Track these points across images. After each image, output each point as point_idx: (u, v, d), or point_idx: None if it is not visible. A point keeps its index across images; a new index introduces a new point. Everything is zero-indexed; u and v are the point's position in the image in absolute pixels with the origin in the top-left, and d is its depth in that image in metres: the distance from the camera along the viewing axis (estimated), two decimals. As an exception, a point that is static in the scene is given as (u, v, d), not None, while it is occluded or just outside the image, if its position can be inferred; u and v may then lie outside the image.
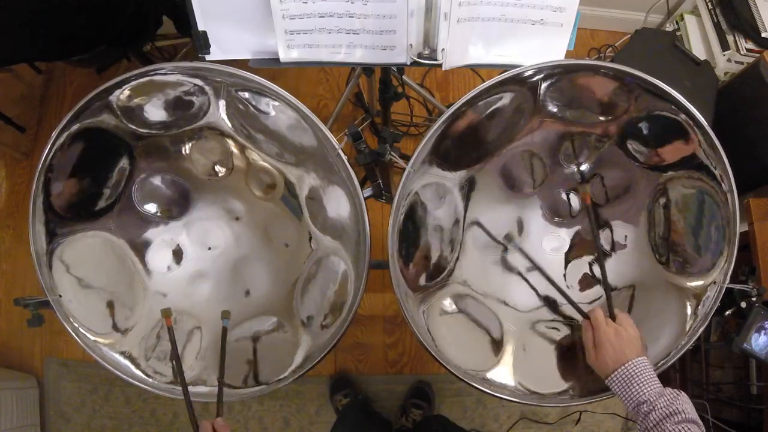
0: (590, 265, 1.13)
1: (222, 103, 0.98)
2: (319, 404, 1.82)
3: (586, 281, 1.12)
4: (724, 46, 1.77)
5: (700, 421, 0.73)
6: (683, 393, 0.76)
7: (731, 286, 0.87)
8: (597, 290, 1.10)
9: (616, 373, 0.80)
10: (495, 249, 1.15)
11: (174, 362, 0.91)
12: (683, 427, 0.70)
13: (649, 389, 0.77)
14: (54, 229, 0.92)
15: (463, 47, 0.93)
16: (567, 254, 1.14)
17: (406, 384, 1.82)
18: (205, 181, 1.11)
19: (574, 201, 1.13)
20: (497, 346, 1.02)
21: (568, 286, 1.12)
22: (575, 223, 1.14)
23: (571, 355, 1.00)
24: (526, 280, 1.12)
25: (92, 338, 0.91)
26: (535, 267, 0.90)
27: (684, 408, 0.73)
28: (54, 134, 0.85)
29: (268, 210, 1.15)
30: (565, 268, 1.14)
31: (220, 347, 0.93)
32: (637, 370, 0.78)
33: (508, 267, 1.15)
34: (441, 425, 1.36)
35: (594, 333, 0.85)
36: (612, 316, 0.87)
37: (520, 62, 0.91)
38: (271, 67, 0.95)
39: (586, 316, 0.89)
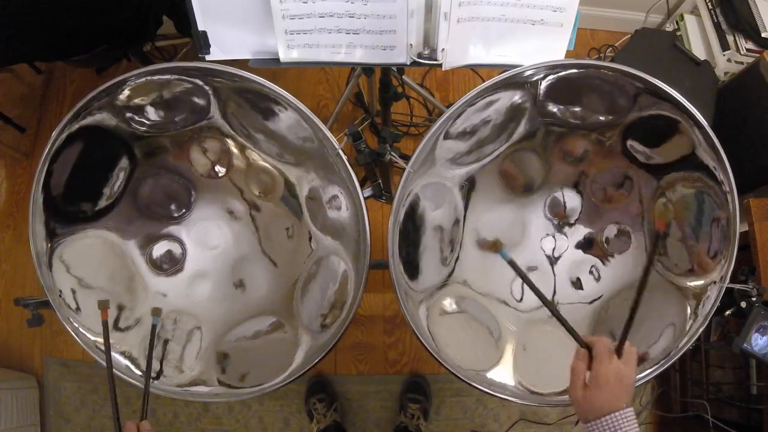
0: (591, 267, 1.13)
1: (222, 103, 0.98)
2: (319, 404, 1.81)
3: (584, 282, 1.12)
4: (724, 46, 1.77)
5: None
6: None
7: (731, 286, 0.87)
8: (597, 290, 1.10)
9: (600, 421, 0.69)
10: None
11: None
12: None
13: None
14: (54, 229, 0.92)
15: (463, 47, 0.93)
16: (567, 254, 1.14)
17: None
18: (205, 181, 1.11)
19: (573, 201, 1.13)
20: (497, 345, 1.02)
21: (572, 282, 1.12)
22: (575, 223, 1.14)
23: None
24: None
25: (92, 338, 0.91)
26: (529, 286, 0.77)
27: None
28: (54, 134, 0.85)
29: (268, 210, 1.15)
30: (568, 266, 1.14)
31: (149, 343, 0.88)
32: (624, 424, 0.68)
33: (508, 267, 1.15)
34: None
35: (593, 366, 0.71)
36: (619, 350, 0.73)
37: (520, 62, 0.91)
38: (271, 67, 0.95)
39: (584, 345, 0.75)
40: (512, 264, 0.75)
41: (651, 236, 0.84)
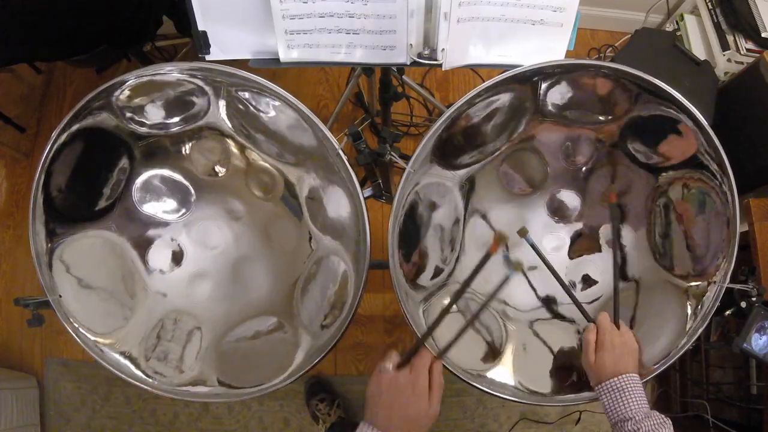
0: (591, 266, 1.12)
1: (222, 103, 0.98)
2: (319, 404, 1.81)
3: (586, 281, 1.12)
4: (724, 46, 1.77)
5: None
6: (669, 420, 0.75)
7: (731, 286, 0.87)
8: (596, 291, 1.10)
9: (610, 381, 0.79)
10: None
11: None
12: None
13: (637, 407, 0.76)
14: (54, 229, 0.92)
15: (463, 47, 0.93)
16: (567, 253, 1.14)
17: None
18: (205, 181, 1.11)
19: (574, 201, 1.13)
20: (497, 345, 1.02)
21: (572, 281, 1.12)
22: (575, 222, 1.14)
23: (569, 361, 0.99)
24: (528, 280, 1.12)
25: (92, 338, 0.91)
26: (546, 264, 0.89)
27: None
28: (54, 134, 0.85)
29: (268, 210, 1.15)
30: (566, 267, 1.14)
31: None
32: (630, 385, 0.78)
33: (509, 266, 1.15)
34: None
35: (598, 335, 0.85)
36: (616, 323, 0.88)
37: (520, 62, 0.91)
38: (271, 67, 0.95)
39: (591, 319, 0.89)
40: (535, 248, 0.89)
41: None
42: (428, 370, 0.72)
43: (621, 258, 1.08)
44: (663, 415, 0.75)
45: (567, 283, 1.02)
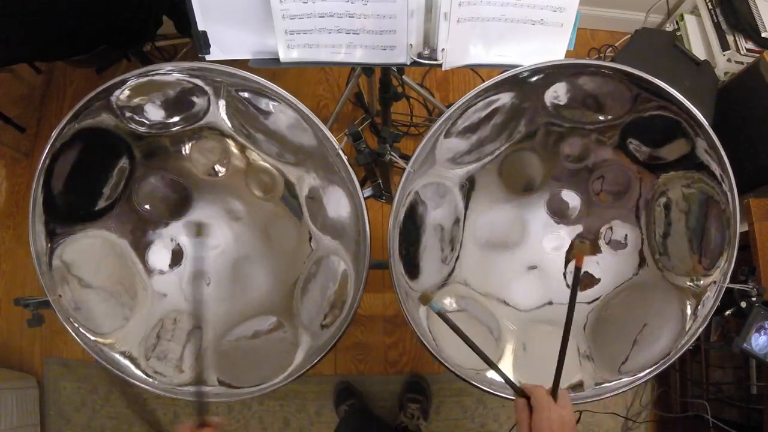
0: (590, 266, 1.13)
1: (222, 103, 0.98)
2: (319, 404, 1.82)
3: (586, 281, 1.12)
4: (724, 46, 1.77)
5: None
6: None
7: (731, 286, 0.87)
8: (596, 291, 1.10)
9: None
10: (495, 249, 1.16)
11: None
12: None
13: None
14: (54, 229, 0.92)
15: (463, 47, 0.93)
16: (567, 253, 1.14)
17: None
18: (205, 181, 1.11)
19: (574, 200, 1.13)
20: (497, 345, 1.02)
21: (567, 285, 1.12)
22: (575, 222, 1.14)
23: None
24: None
25: (92, 338, 0.91)
26: (464, 339, 0.76)
27: None
28: (54, 134, 0.85)
29: (268, 210, 1.15)
30: (565, 267, 1.14)
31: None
32: None
33: (509, 267, 1.15)
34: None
35: (535, 418, 0.71)
36: (554, 393, 0.75)
37: (520, 62, 0.91)
38: (271, 67, 0.95)
39: (519, 392, 0.76)
40: (442, 316, 0.73)
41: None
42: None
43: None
44: None
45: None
